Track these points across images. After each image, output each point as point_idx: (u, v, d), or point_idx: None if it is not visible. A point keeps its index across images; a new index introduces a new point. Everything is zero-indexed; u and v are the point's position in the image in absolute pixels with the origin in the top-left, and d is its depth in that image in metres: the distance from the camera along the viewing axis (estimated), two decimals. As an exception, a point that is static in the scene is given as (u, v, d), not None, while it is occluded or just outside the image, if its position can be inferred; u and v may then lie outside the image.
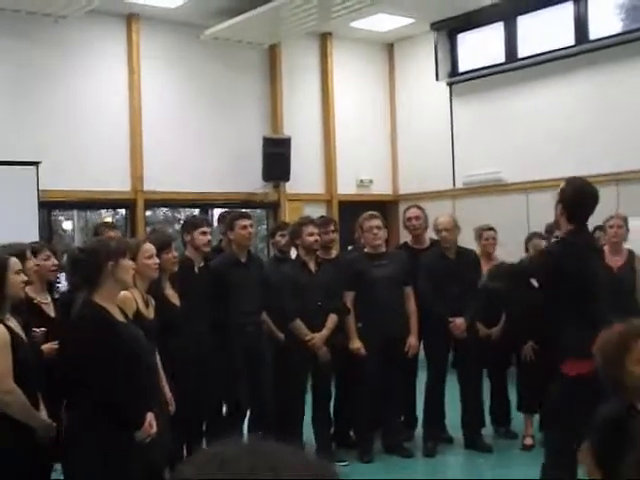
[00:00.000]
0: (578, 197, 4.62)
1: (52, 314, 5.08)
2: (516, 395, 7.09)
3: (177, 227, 7.56)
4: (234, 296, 6.20)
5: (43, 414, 4.11)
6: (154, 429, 4.00)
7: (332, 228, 7.11)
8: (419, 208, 7.36)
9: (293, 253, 7.05)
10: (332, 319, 6.55)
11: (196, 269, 6.09)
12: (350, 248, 7.95)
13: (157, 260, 5.01)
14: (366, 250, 6.83)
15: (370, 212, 7.07)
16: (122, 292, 4.31)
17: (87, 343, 3.81)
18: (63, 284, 6.30)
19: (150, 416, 4.00)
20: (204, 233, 6.11)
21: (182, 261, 5.85)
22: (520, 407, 7.04)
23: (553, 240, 6.79)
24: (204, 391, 5.87)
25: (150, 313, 4.92)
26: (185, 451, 5.70)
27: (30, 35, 9.28)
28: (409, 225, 7.29)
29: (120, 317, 4.02)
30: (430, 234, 7.24)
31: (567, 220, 4.62)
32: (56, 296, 5.53)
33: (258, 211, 11.33)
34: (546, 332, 6.37)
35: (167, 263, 5.44)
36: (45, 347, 4.62)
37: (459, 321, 6.70)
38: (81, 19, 9.28)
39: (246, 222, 6.40)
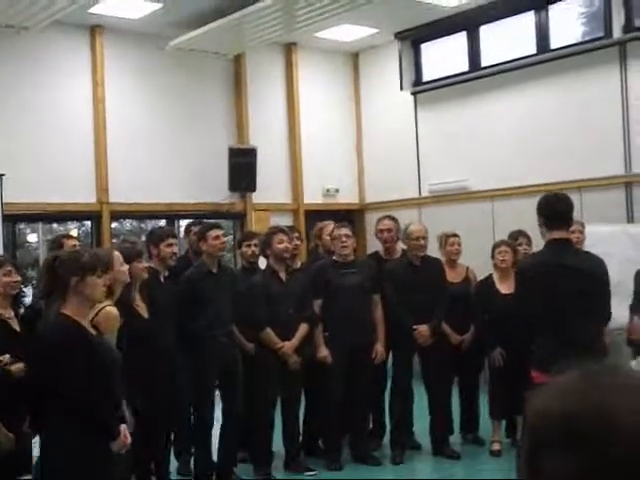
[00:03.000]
0: (549, 204, 4.72)
1: (17, 328, 5.04)
2: (487, 401, 7.11)
3: (143, 238, 7.51)
4: (207, 307, 6.20)
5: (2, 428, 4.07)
6: (129, 439, 3.99)
7: (296, 236, 7.13)
8: (392, 219, 7.28)
9: (260, 263, 7.04)
10: (303, 328, 6.56)
11: (162, 279, 6.08)
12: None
13: (127, 266, 5.09)
14: (334, 258, 6.86)
15: (331, 222, 7.13)
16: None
17: (59, 355, 3.75)
18: (28, 298, 6.25)
19: (124, 427, 3.99)
20: (170, 245, 6.09)
21: (148, 272, 5.81)
22: (490, 413, 7.08)
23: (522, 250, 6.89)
24: (173, 404, 5.84)
25: None
26: (152, 465, 5.68)
27: (-8, 47, 9.22)
28: (380, 237, 7.29)
29: (91, 330, 3.97)
30: (401, 244, 7.19)
31: (547, 230, 4.71)
32: (21, 309, 5.48)
33: (225, 222, 11.30)
34: (515, 339, 6.44)
35: (137, 271, 5.42)
36: (15, 368, 4.57)
37: (422, 328, 6.73)
38: (44, 31, 9.21)
39: (218, 232, 6.42)
